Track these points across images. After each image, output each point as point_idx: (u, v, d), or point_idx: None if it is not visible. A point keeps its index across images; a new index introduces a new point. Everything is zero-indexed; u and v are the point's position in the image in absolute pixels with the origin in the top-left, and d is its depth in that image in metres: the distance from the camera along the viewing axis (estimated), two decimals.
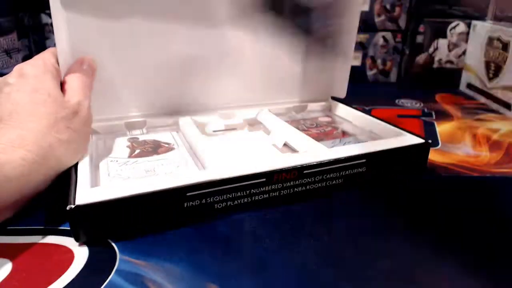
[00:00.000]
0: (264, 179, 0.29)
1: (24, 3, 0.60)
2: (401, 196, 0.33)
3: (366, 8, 0.65)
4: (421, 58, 0.67)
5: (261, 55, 0.43)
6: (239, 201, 0.29)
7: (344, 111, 0.47)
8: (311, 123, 0.44)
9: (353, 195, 0.32)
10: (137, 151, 0.35)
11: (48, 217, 0.28)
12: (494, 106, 0.58)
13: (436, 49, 0.67)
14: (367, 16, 0.66)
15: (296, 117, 0.46)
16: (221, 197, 0.28)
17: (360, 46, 0.68)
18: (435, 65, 0.68)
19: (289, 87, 0.46)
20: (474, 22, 0.64)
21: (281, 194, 0.31)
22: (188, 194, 0.27)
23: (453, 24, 0.65)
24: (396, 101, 0.61)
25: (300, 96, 0.47)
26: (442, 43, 0.66)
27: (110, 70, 0.37)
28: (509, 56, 0.54)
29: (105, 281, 0.22)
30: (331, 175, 0.32)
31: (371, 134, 0.41)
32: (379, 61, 0.69)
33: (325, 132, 0.42)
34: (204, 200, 0.28)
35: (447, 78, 0.68)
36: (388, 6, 0.65)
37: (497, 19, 0.64)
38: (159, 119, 0.41)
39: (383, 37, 0.67)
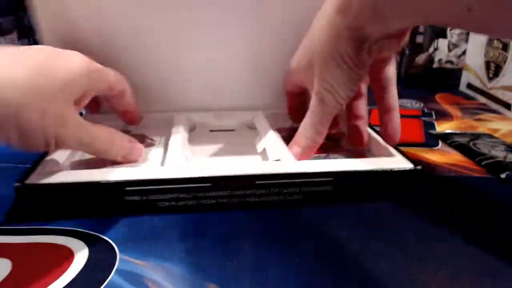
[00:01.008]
0: (210, 184, 0.29)
1: (24, 3, 0.60)
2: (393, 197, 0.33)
3: None
4: (421, 58, 0.67)
5: (265, 58, 0.42)
6: (184, 202, 0.29)
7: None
8: None
9: (313, 212, 0.30)
10: None
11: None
12: (494, 106, 0.58)
13: (436, 49, 0.67)
14: None
15: (295, 125, 0.43)
16: (164, 196, 0.28)
17: None
18: (435, 65, 0.67)
19: None
20: None
21: (231, 201, 0.30)
22: (127, 188, 0.28)
23: None
24: None
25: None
26: (442, 43, 0.66)
27: (109, 65, 0.37)
28: (509, 56, 0.54)
29: (105, 281, 0.22)
30: (289, 190, 0.30)
31: (366, 151, 0.38)
32: None
33: None
34: (145, 197, 0.28)
35: (447, 78, 0.68)
36: None
37: None
38: (156, 115, 0.41)
39: None
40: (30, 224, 0.27)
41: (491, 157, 0.39)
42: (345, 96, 0.30)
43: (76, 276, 0.23)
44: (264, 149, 0.36)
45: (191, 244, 0.26)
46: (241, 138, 0.41)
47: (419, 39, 0.66)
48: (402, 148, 0.43)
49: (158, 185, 0.28)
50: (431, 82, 0.68)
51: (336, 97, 0.30)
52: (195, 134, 0.41)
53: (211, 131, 0.42)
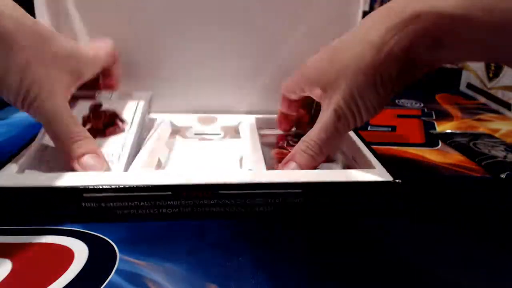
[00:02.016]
0: (170, 193, 0.27)
1: (25, 2, 0.60)
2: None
3: (365, 7, 0.65)
4: None
5: (264, 61, 0.42)
6: (145, 211, 0.28)
7: None
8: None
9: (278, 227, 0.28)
10: (87, 126, 0.34)
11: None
12: (494, 106, 0.58)
13: None
14: None
15: (290, 131, 0.42)
16: (122, 204, 0.27)
17: None
18: None
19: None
20: None
21: (195, 211, 0.28)
22: (85, 195, 0.27)
23: None
24: (396, 101, 0.61)
25: None
26: None
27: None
28: None
29: (105, 281, 0.22)
30: (256, 201, 0.28)
31: (352, 161, 0.36)
32: None
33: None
34: (103, 203, 0.27)
35: (447, 78, 0.68)
36: None
37: None
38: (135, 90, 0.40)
39: None
40: (30, 224, 0.27)
41: (491, 157, 0.39)
42: (365, 119, 0.28)
43: (76, 276, 0.23)
44: (242, 157, 0.35)
45: (191, 244, 0.26)
46: (224, 144, 0.40)
47: None
48: (402, 148, 0.43)
49: (116, 193, 0.27)
50: (431, 82, 0.68)
51: (356, 118, 0.28)
52: (178, 137, 0.41)
53: (196, 134, 0.41)
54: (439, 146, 0.44)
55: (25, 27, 0.27)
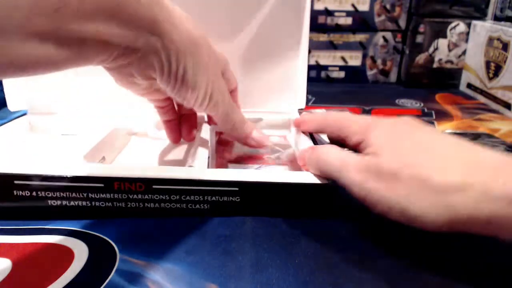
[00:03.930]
0: (101, 185, 0.27)
1: None
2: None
3: (365, 8, 0.65)
4: (421, 58, 0.67)
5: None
6: (76, 203, 0.27)
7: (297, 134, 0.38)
8: None
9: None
10: None
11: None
12: (494, 106, 0.58)
13: (436, 49, 0.67)
14: (367, 16, 0.65)
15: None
16: (54, 194, 0.27)
17: (360, 46, 0.68)
18: (435, 65, 0.67)
19: (246, 95, 0.39)
20: (474, 22, 0.64)
21: (129, 206, 0.28)
22: (16, 182, 0.26)
23: (453, 24, 0.65)
24: (396, 101, 0.61)
25: (257, 105, 0.42)
26: (442, 43, 0.66)
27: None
28: (509, 56, 0.54)
29: (105, 281, 0.22)
30: (192, 198, 0.28)
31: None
32: (379, 61, 0.69)
33: (248, 155, 0.37)
34: (35, 193, 0.27)
35: (447, 78, 0.68)
36: (388, 6, 0.65)
37: (497, 19, 0.64)
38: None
39: (383, 37, 0.67)
40: (30, 224, 0.27)
41: None
42: None
43: (76, 276, 0.23)
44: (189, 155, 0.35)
45: (191, 244, 0.26)
46: (178, 144, 0.39)
47: (419, 39, 0.66)
48: None
49: (48, 182, 0.26)
50: (431, 82, 0.68)
51: None
52: (134, 137, 0.40)
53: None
54: None
55: (201, 31, 0.28)
